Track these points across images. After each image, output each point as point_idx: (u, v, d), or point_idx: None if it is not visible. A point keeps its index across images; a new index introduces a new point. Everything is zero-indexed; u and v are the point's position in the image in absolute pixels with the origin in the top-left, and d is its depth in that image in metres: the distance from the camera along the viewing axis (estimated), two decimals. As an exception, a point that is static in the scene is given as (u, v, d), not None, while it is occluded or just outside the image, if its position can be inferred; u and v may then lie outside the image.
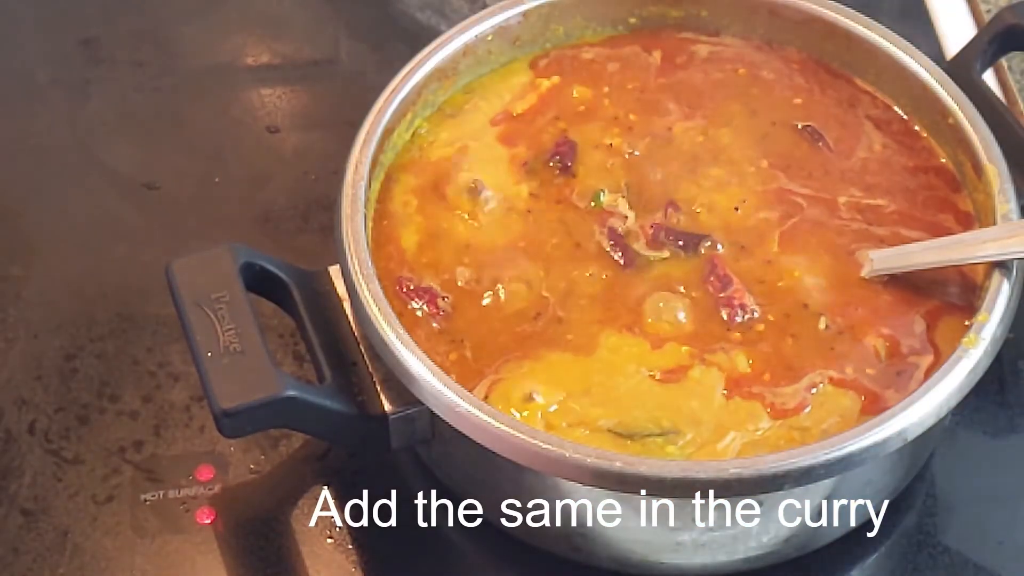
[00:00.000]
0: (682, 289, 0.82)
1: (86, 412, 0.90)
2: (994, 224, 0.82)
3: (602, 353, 0.80)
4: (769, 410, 0.78)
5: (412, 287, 0.83)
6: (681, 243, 0.84)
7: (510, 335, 0.81)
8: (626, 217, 0.85)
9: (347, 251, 0.81)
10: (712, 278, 0.83)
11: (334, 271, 0.83)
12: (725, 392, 0.79)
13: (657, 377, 0.79)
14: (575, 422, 0.78)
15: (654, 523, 0.78)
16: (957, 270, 0.83)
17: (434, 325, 0.82)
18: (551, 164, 0.88)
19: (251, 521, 0.86)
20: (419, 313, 0.82)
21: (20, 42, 1.10)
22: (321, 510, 0.85)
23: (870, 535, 0.84)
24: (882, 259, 0.82)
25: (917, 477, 0.85)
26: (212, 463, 0.87)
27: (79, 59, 1.08)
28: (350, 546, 0.84)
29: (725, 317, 0.81)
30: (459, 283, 0.83)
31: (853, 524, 0.83)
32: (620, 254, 0.84)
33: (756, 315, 0.81)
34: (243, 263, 0.81)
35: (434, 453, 0.84)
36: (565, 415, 0.78)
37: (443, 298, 0.83)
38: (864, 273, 0.83)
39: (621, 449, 0.76)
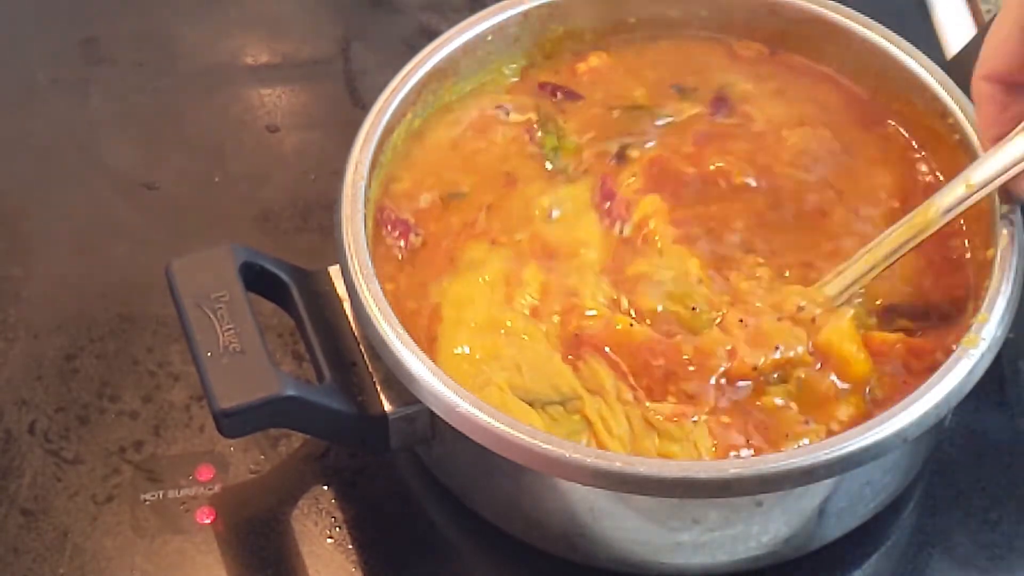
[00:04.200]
0: None
1: (86, 412, 0.90)
2: (993, 227, 0.82)
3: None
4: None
5: (393, 217, 0.85)
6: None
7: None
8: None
9: (347, 251, 0.81)
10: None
11: (334, 271, 0.83)
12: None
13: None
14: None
15: (654, 523, 0.79)
16: (958, 271, 0.83)
17: (399, 256, 0.84)
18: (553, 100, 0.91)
19: (251, 521, 0.86)
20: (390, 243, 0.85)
21: (20, 42, 1.10)
22: (321, 510, 0.85)
23: (870, 535, 0.84)
24: (833, 287, 0.82)
25: (917, 477, 0.85)
26: (212, 463, 0.87)
27: (79, 59, 1.09)
28: (350, 546, 0.84)
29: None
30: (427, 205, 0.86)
31: (853, 524, 0.83)
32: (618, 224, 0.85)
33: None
34: (243, 263, 0.81)
35: (434, 453, 0.84)
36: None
37: (416, 234, 0.85)
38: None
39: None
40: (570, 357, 0.80)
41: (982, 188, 0.79)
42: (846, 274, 0.82)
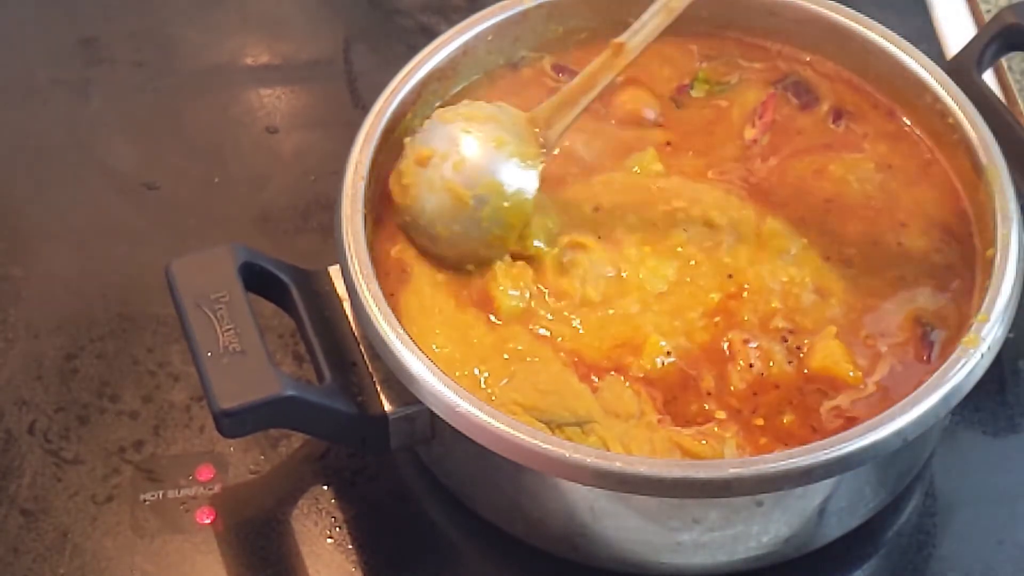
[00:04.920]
0: None
1: (86, 412, 0.90)
2: (994, 227, 0.82)
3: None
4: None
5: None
6: None
7: None
8: None
9: (347, 251, 0.81)
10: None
11: (334, 271, 0.83)
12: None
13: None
14: None
15: (654, 523, 0.78)
16: (957, 272, 0.83)
17: None
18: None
19: (251, 521, 0.86)
20: None
21: (20, 42, 1.10)
22: (321, 510, 0.85)
23: (870, 535, 0.84)
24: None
25: (917, 477, 0.85)
26: (212, 463, 0.87)
27: (79, 59, 1.08)
28: (350, 546, 0.84)
29: None
30: None
31: (853, 524, 0.83)
32: None
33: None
34: (243, 263, 0.81)
35: (434, 453, 0.84)
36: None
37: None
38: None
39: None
40: (593, 379, 0.80)
41: None
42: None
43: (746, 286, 0.82)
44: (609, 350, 0.81)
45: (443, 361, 0.78)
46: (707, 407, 0.79)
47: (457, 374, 0.79)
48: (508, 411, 0.77)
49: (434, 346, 0.80)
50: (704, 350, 0.81)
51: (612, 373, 0.80)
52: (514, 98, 0.89)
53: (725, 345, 0.81)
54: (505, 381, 0.79)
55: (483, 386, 0.79)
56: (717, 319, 0.82)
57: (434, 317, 0.81)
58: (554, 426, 0.78)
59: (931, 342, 0.80)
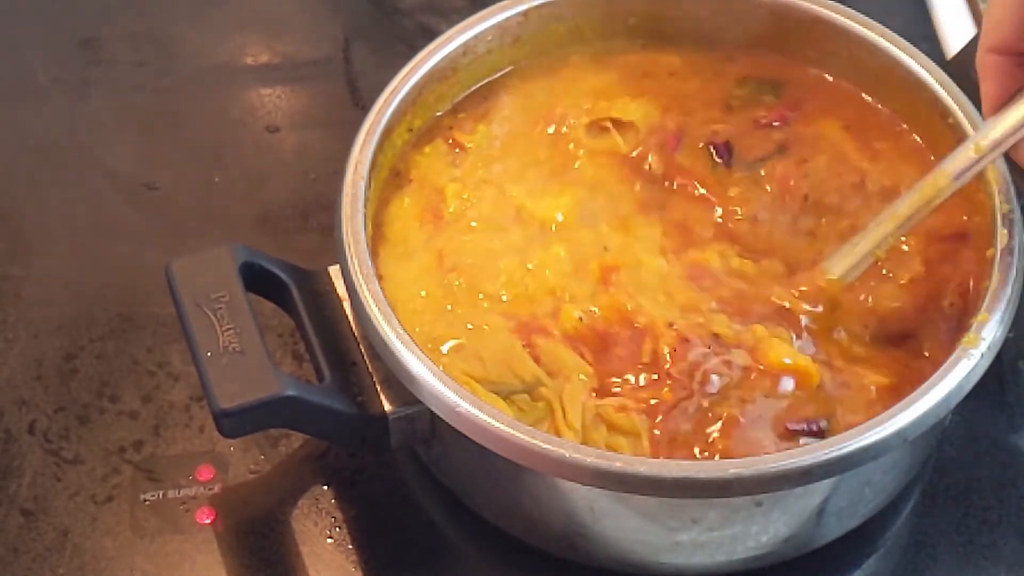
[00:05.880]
0: None
1: (86, 412, 0.90)
2: (993, 227, 0.82)
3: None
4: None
5: None
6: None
7: None
8: None
9: (347, 251, 0.81)
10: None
11: (334, 271, 0.83)
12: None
13: None
14: None
15: (654, 523, 0.79)
16: (958, 271, 0.83)
17: None
18: None
19: (251, 521, 0.86)
20: None
21: (20, 42, 1.10)
22: (321, 510, 0.85)
23: (870, 535, 0.84)
24: (835, 262, 0.82)
25: (917, 477, 0.85)
26: (212, 463, 0.87)
27: (79, 59, 1.09)
28: (350, 546, 0.84)
29: None
30: None
31: (853, 524, 0.83)
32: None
33: None
34: (243, 263, 0.81)
35: (434, 453, 0.84)
36: None
37: None
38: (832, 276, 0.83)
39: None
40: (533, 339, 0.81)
41: (991, 151, 0.79)
42: (852, 252, 0.82)
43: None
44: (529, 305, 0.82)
45: (408, 314, 0.80)
46: (631, 378, 0.80)
47: (417, 330, 0.80)
48: (460, 382, 0.77)
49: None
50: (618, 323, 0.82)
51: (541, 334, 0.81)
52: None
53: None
54: (452, 344, 0.80)
55: (429, 346, 0.80)
56: (612, 290, 0.82)
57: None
58: (504, 395, 0.79)
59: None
